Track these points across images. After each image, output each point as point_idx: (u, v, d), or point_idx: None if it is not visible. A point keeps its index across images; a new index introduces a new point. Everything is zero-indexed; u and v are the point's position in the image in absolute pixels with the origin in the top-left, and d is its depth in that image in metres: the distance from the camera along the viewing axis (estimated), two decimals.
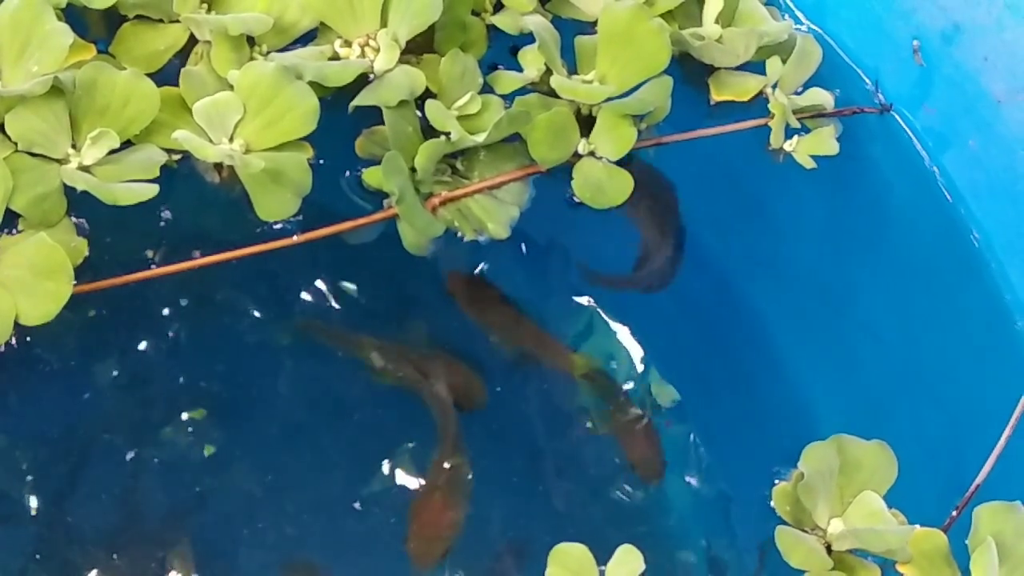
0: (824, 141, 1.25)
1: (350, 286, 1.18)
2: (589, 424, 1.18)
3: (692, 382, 1.21)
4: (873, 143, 1.30)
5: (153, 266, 1.11)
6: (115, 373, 1.11)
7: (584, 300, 1.21)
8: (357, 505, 1.09)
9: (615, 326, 1.20)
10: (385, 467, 1.11)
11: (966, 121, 1.27)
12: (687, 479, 1.15)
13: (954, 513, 1.07)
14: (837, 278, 1.27)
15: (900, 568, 1.04)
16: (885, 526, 1.04)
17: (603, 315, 1.21)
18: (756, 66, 1.27)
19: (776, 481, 1.08)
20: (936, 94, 1.29)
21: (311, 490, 1.10)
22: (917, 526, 1.04)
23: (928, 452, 1.14)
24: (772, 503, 1.07)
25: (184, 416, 1.10)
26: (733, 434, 1.19)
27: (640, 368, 1.19)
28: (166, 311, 1.13)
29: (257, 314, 1.16)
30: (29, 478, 1.06)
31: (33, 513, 1.04)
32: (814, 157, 1.25)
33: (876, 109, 1.31)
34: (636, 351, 1.20)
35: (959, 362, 1.22)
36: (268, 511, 1.08)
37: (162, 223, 1.14)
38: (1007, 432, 1.10)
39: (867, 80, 1.33)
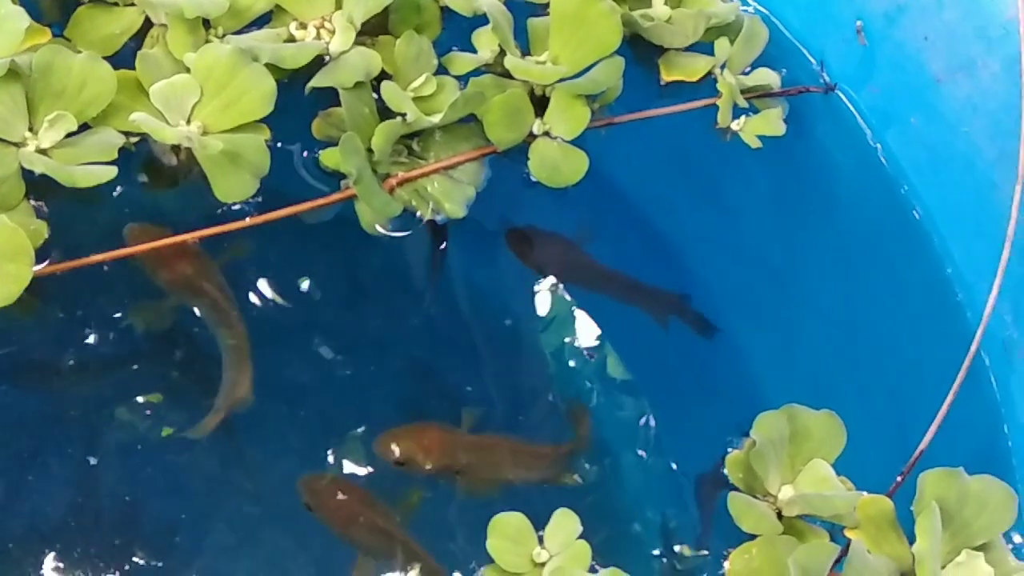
0: (771, 122, 1.27)
1: (308, 267, 1.19)
2: (550, 399, 1.20)
3: (644, 358, 1.23)
4: (818, 121, 1.32)
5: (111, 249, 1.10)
6: (75, 356, 1.11)
7: (542, 279, 1.22)
8: None
9: (571, 303, 1.22)
10: (336, 451, 1.11)
11: (908, 99, 1.29)
12: (639, 452, 1.17)
13: (899, 479, 1.10)
14: (784, 253, 1.29)
15: (848, 533, 1.06)
16: (833, 492, 1.06)
17: (560, 294, 1.22)
18: (705, 47, 1.29)
19: (729, 450, 1.11)
20: (879, 73, 1.31)
21: (270, 472, 1.11)
22: (864, 492, 1.07)
23: (873, 421, 1.17)
24: (724, 470, 1.09)
25: (140, 400, 1.10)
26: (684, 408, 1.21)
27: (596, 345, 1.21)
28: (125, 292, 1.13)
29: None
30: None
31: None
32: (761, 137, 1.27)
33: (821, 88, 1.33)
34: (591, 327, 1.22)
35: (902, 334, 1.25)
36: (228, 491, 1.09)
37: (120, 205, 1.14)
38: (949, 399, 1.13)
39: (812, 60, 1.35)
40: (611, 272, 1.24)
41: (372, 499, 1.08)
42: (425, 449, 1.10)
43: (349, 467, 1.10)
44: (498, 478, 1.13)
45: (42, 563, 1.02)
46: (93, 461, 1.07)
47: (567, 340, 1.21)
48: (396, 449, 1.09)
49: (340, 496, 1.08)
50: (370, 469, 1.10)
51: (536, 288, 1.22)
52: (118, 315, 1.12)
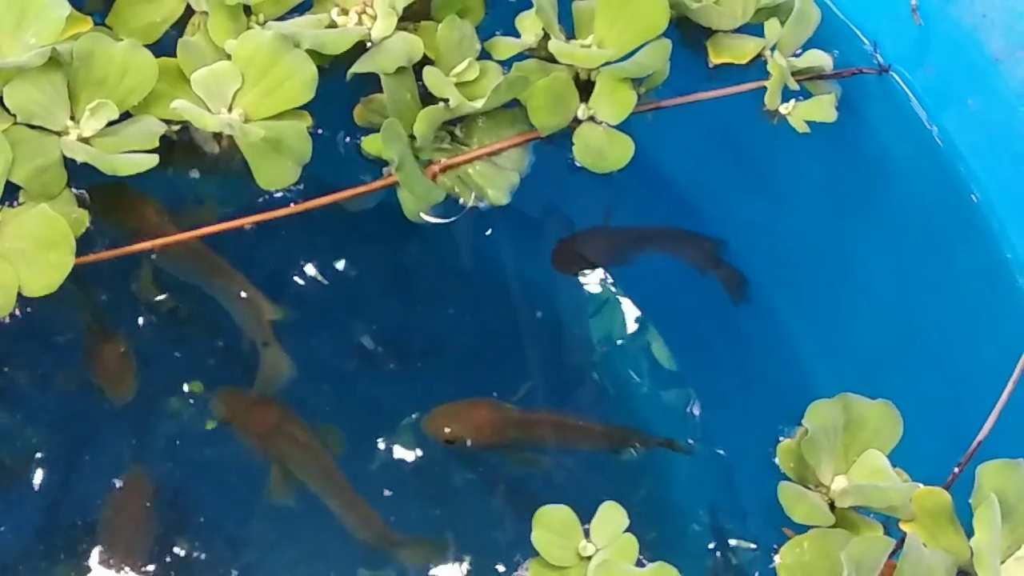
0: (823, 108, 1.25)
1: (350, 254, 1.18)
2: (595, 384, 1.18)
3: (692, 346, 1.22)
4: (872, 103, 1.29)
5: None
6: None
7: (586, 266, 1.21)
8: (362, 476, 1.09)
9: (616, 291, 1.20)
10: (382, 442, 1.11)
11: (965, 80, 1.26)
12: (687, 441, 1.15)
13: (956, 470, 1.07)
14: (836, 239, 1.27)
15: (903, 526, 1.04)
16: (888, 483, 1.04)
17: (605, 280, 1.21)
18: (754, 28, 1.27)
19: (780, 439, 1.09)
20: (935, 53, 1.28)
21: None
22: (920, 484, 1.05)
23: (929, 411, 1.14)
24: (776, 460, 1.07)
25: (184, 389, 1.10)
26: (734, 398, 1.19)
27: (642, 332, 1.19)
28: (167, 281, 1.13)
29: (257, 284, 1.15)
30: (31, 449, 1.06)
31: (36, 485, 1.05)
32: (811, 121, 1.24)
33: (875, 70, 1.30)
34: (638, 315, 1.20)
35: (959, 321, 1.22)
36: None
37: (162, 193, 1.14)
38: (1008, 389, 1.09)
39: (866, 41, 1.32)
40: (643, 230, 1.24)
41: (291, 413, 1.09)
42: (476, 427, 1.09)
43: (396, 452, 1.10)
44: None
45: (87, 554, 1.02)
46: (137, 453, 1.07)
47: (612, 325, 1.20)
48: (447, 428, 1.09)
49: (259, 408, 1.08)
50: (418, 453, 1.09)
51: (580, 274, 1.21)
52: (160, 303, 1.12)
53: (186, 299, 1.13)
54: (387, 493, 1.08)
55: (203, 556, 1.04)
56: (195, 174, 1.15)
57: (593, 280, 1.21)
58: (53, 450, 1.06)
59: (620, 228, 1.24)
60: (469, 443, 1.09)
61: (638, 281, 1.22)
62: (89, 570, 1.01)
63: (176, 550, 1.03)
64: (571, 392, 1.18)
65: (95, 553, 1.02)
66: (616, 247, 1.23)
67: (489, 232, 1.19)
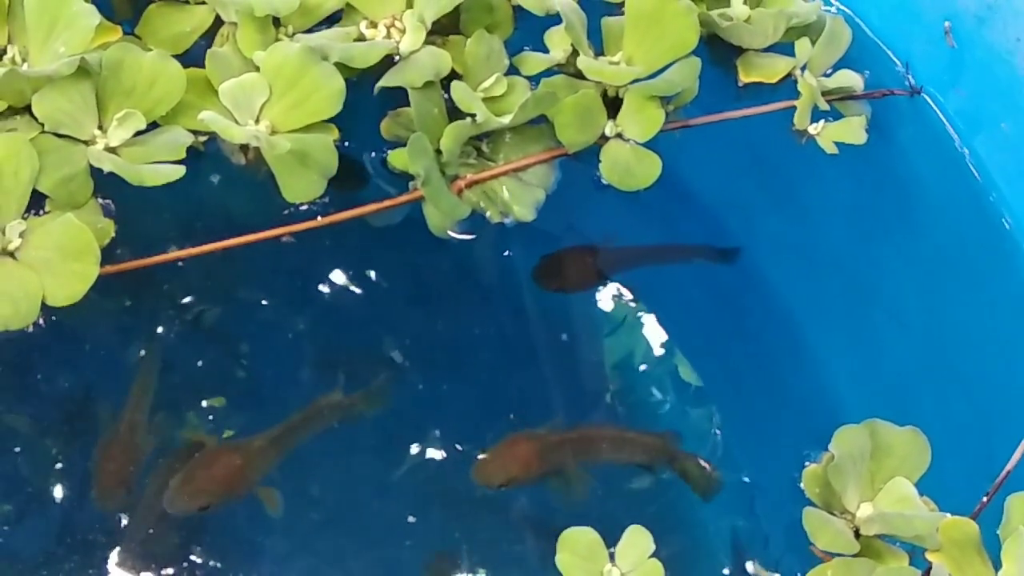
0: (853, 130, 1.24)
1: (375, 268, 1.18)
2: (609, 403, 1.18)
3: (718, 367, 1.21)
4: (903, 125, 1.28)
5: (178, 248, 1.10)
6: (140, 355, 1.11)
7: (611, 284, 1.21)
8: (382, 489, 1.09)
9: (641, 311, 1.20)
10: (413, 450, 1.10)
11: (998, 103, 1.25)
12: (712, 467, 1.14)
13: (984, 499, 1.06)
14: (865, 262, 1.26)
15: (929, 556, 1.03)
16: (915, 512, 1.03)
17: (630, 300, 1.20)
18: (785, 47, 1.26)
19: (806, 463, 1.08)
20: (967, 76, 1.27)
21: (336, 474, 1.10)
22: (947, 514, 1.03)
23: (958, 438, 1.13)
24: (802, 484, 1.06)
25: (205, 403, 1.10)
26: (758, 419, 1.18)
27: (667, 353, 1.19)
28: (191, 292, 1.13)
29: (282, 297, 1.16)
30: (52, 460, 1.06)
31: (56, 494, 1.04)
32: (840, 142, 1.23)
33: (906, 91, 1.29)
34: (662, 335, 1.19)
35: (990, 348, 1.20)
36: (291, 496, 1.08)
37: (188, 205, 1.14)
38: None
39: (897, 62, 1.32)
40: (633, 248, 1.24)
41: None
42: (524, 464, 1.08)
43: (418, 464, 1.09)
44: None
45: (104, 562, 1.02)
46: (158, 460, 1.07)
47: (635, 346, 1.19)
48: (497, 474, 1.08)
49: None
50: (440, 467, 1.09)
51: (602, 291, 1.20)
52: (183, 314, 1.12)
53: (211, 308, 1.13)
54: (408, 507, 1.08)
55: (218, 567, 1.03)
56: (221, 186, 1.15)
57: (616, 299, 1.20)
58: (72, 460, 1.06)
59: (601, 247, 1.23)
60: (531, 479, 1.09)
61: (662, 301, 1.22)
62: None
63: (193, 559, 1.03)
64: (592, 411, 1.17)
65: (109, 561, 1.01)
66: (595, 266, 1.22)
67: (514, 248, 1.18)
